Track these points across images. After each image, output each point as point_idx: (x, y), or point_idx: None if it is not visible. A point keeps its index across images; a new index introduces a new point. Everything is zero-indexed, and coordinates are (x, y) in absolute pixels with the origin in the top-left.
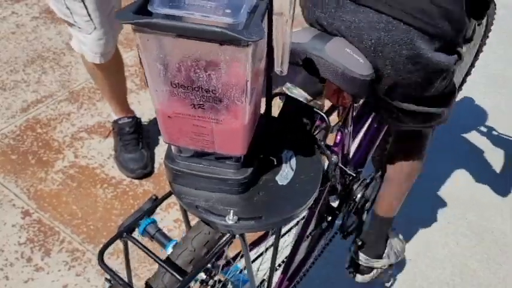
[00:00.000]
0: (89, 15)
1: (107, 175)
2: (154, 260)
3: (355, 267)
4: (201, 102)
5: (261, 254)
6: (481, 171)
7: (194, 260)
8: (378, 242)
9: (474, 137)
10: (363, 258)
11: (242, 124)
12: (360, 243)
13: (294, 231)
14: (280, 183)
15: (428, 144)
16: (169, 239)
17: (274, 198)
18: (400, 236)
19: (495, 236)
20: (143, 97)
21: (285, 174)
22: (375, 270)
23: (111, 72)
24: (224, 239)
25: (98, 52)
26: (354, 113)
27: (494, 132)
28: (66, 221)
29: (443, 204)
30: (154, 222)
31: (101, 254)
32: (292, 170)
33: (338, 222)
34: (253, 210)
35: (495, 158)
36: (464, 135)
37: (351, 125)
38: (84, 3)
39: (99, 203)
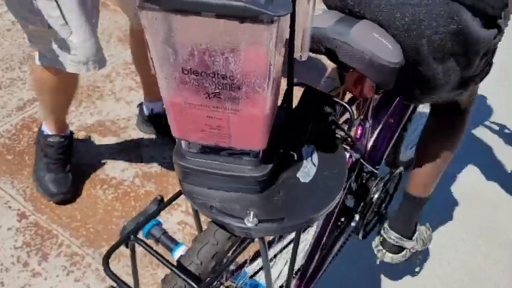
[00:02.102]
0: (63, 16)
1: (107, 175)
2: (166, 265)
3: (385, 245)
4: (216, 91)
5: (270, 260)
6: (492, 169)
7: (217, 255)
8: (410, 222)
9: (481, 133)
10: (394, 236)
11: (263, 114)
12: (391, 222)
13: (308, 234)
14: (302, 180)
15: (469, 119)
16: (176, 243)
17: (296, 197)
18: (427, 224)
19: (508, 236)
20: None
21: (307, 170)
22: (404, 251)
23: (68, 88)
24: (239, 243)
25: (81, 61)
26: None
27: (506, 131)
28: (64, 223)
29: (454, 203)
30: (159, 224)
31: (106, 258)
32: (315, 166)
33: (353, 223)
34: (274, 211)
35: (506, 154)
36: (472, 131)
37: (370, 119)
38: (57, 3)
39: (99, 205)
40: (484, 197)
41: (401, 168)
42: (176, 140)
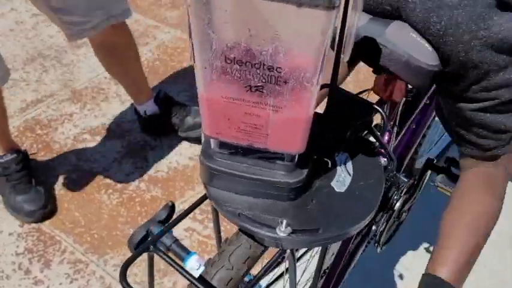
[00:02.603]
0: None
1: (112, 180)
2: (188, 279)
3: None
4: (259, 84)
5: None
6: None
7: (232, 281)
8: None
9: None
10: None
11: (307, 113)
12: None
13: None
14: (337, 189)
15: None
16: (187, 251)
17: (331, 207)
18: None
19: None
20: None
21: (342, 179)
22: None
23: None
24: (275, 256)
25: None
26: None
27: None
28: (68, 229)
29: None
30: (170, 231)
31: (124, 270)
32: (350, 175)
33: (372, 233)
34: (307, 220)
35: None
36: None
37: (397, 124)
38: None
39: (103, 210)
40: None
41: (427, 174)
42: (204, 139)
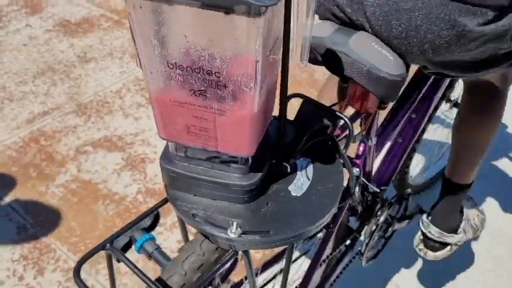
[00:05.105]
0: None
1: (109, 191)
2: (143, 280)
3: (426, 243)
4: (202, 88)
5: (273, 278)
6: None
7: (203, 266)
8: (453, 213)
9: (505, 164)
10: (435, 232)
11: (250, 116)
12: (432, 216)
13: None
14: (293, 193)
15: (505, 102)
16: (168, 259)
17: (285, 210)
18: (480, 208)
19: None
20: None
21: (300, 183)
22: (448, 247)
23: None
24: (226, 255)
25: None
26: (379, 122)
27: None
28: (63, 237)
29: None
30: (153, 238)
31: (79, 266)
32: (309, 179)
33: (356, 246)
34: (260, 223)
35: None
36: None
37: (375, 136)
38: None
39: (99, 220)
40: (502, 230)
41: (408, 191)
42: (165, 144)
